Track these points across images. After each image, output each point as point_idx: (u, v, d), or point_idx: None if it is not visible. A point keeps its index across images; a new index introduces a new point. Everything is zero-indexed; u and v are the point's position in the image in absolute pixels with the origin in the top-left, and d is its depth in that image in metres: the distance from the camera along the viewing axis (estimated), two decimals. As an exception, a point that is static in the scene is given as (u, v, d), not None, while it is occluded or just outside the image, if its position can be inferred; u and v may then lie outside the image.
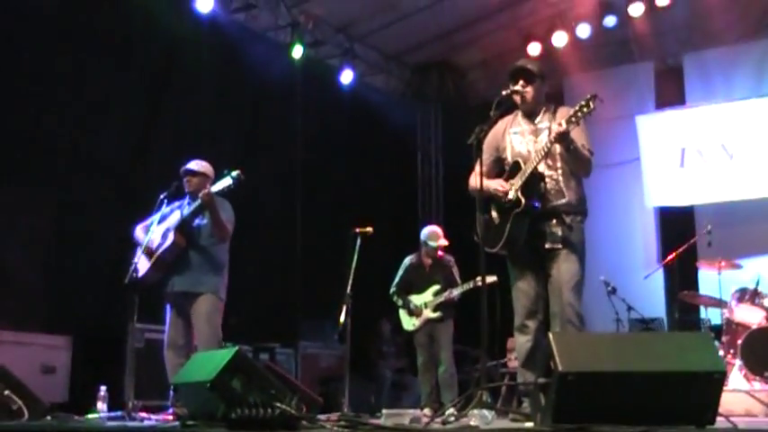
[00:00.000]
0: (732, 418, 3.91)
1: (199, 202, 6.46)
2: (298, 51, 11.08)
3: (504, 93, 5.39)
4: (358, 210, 10.18)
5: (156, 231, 6.66)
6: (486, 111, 5.30)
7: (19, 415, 5.42)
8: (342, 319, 7.38)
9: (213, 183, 6.53)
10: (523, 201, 5.28)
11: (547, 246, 5.30)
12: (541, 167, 5.34)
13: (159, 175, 7.38)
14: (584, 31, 11.30)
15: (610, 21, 11.15)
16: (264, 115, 11.18)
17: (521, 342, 5.44)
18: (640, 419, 3.36)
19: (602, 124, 9.76)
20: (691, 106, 11.44)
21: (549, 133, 5.24)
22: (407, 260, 8.85)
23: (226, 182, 6.33)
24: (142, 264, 6.55)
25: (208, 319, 6.51)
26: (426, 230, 8.84)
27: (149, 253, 6.60)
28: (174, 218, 6.67)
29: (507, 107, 5.54)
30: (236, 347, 4.41)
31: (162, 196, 6.67)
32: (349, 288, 7.43)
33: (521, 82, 5.46)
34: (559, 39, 11.48)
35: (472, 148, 5.21)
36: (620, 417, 3.39)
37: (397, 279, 8.79)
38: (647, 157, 11.52)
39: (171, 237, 6.53)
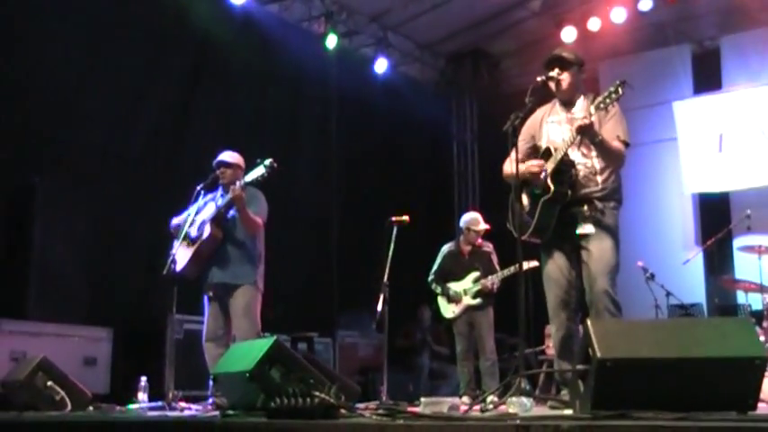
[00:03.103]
0: (774, 405, 3.88)
1: (230, 194, 6.49)
2: (332, 41, 11.08)
3: (538, 79, 5.35)
4: (394, 199, 10.20)
5: (193, 223, 6.69)
6: (520, 98, 5.27)
7: (62, 406, 5.52)
8: (379, 308, 7.38)
9: (245, 173, 6.53)
10: (552, 187, 5.24)
11: (578, 231, 5.23)
12: (575, 155, 5.29)
13: (195, 168, 7.41)
14: (618, 15, 11.17)
15: (645, 5, 11.00)
16: (300, 106, 11.21)
17: (553, 332, 5.43)
18: (680, 406, 3.33)
19: (640, 111, 9.68)
20: (728, 90, 11.28)
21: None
22: (446, 248, 8.83)
23: (259, 171, 6.28)
24: (180, 255, 6.58)
25: (246, 310, 6.53)
26: (467, 216, 8.82)
27: (188, 244, 6.63)
28: (209, 210, 6.68)
29: (543, 95, 5.49)
30: (274, 337, 4.44)
31: (199, 187, 6.66)
32: (386, 277, 7.42)
33: (556, 70, 5.40)
34: (594, 24, 11.37)
35: (507, 135, 5.18)
36: (660, 403, 3.36)
37: (435, 267, 8.76)
38: (684, 143, 11.37)
39: (208, 229, 6.54)
